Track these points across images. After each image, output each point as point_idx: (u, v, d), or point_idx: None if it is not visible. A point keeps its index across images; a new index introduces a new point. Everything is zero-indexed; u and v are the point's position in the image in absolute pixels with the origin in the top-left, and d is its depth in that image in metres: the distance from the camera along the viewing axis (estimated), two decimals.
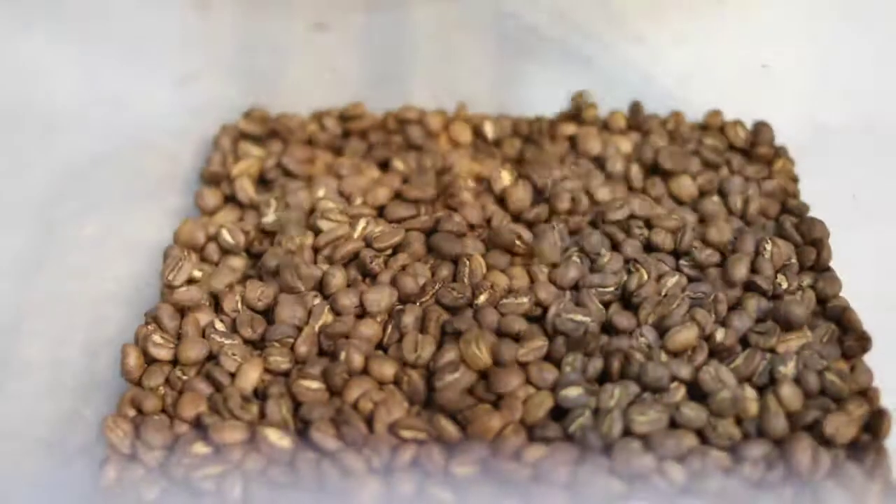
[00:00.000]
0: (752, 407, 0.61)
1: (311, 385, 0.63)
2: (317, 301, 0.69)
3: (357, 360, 0.64)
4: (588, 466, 0.58)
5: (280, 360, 0.65)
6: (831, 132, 0.82)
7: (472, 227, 0.73)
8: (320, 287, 0.69)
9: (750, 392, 0.62)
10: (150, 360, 0.66)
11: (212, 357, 0.66)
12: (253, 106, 0.85)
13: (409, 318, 0.67)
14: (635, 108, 0.83)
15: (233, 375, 0.64)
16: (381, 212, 0.75)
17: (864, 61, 0.82)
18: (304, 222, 0.74)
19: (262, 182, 0.79)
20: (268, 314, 0.69)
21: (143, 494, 0.60)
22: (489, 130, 0.82)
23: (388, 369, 0.64)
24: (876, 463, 0.58)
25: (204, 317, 0.68)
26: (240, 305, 0.69)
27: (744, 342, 0.65)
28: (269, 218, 0.74)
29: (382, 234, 0.72)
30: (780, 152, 0.80)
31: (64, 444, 0.66)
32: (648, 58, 0.87)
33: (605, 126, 0.83)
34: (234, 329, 0.68)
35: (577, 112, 0.83)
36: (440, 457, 0.59)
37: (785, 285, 0.68)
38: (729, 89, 0.83)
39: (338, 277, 0.69)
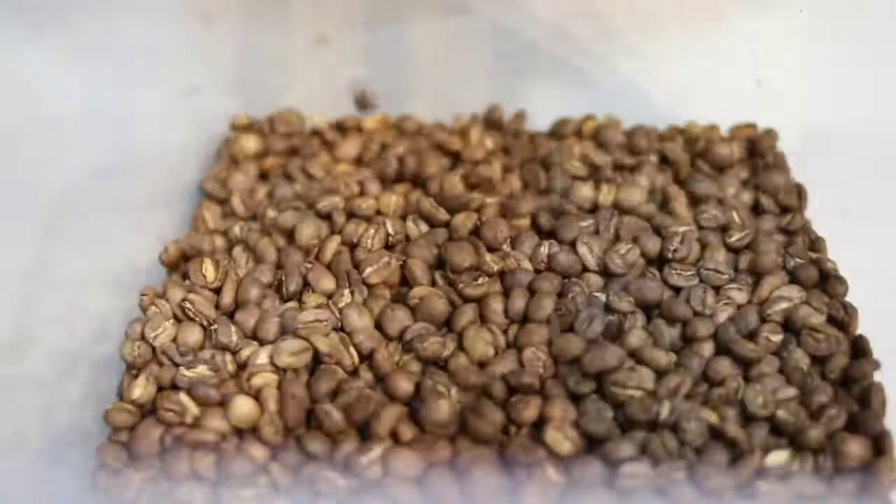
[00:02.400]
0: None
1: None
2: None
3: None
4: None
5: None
6: (827, 146, 0.82)
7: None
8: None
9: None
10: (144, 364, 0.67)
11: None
12: (254, 119, 0.86)
13: None
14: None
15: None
16: (386, 222, 0.76)
17: (862, 75, 0.83)
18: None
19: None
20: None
21: None
22: (490, 144, 0.83)
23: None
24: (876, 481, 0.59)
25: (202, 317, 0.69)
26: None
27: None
28: None
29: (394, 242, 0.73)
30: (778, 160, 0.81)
31: (66, 457, 0.66)
32: (646, 73, 0.87)
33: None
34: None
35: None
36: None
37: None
38: (726, 104, 0.84)
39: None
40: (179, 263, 0.75)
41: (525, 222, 0.74)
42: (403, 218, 0.75)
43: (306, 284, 0.70)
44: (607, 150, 0.81)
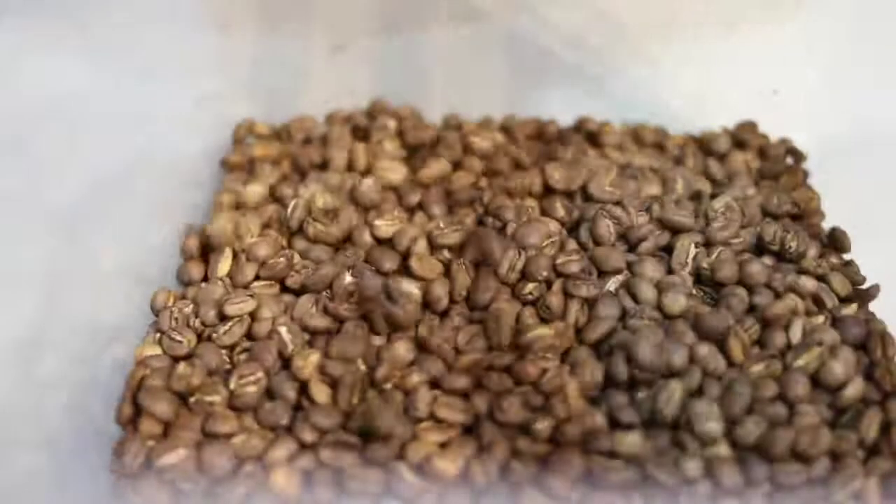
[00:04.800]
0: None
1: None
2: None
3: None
4: None
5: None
6: (843, 154, 0.83)
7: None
8: None
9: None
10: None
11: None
12: (271, 125, 0.87)
13: None
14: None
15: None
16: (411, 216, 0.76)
17: (878, 84, 0.83)
18: None
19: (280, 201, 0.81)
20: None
21: None
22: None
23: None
24: None
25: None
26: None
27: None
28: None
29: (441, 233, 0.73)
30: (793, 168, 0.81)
31: (86, 458, 0.66)
32: (661, 81, 0.88)
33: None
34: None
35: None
36: None
37: None
38: (739, 111, 0.85)
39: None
40: (198, 268, 0.75)
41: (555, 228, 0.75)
42: None
43: None
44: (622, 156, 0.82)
